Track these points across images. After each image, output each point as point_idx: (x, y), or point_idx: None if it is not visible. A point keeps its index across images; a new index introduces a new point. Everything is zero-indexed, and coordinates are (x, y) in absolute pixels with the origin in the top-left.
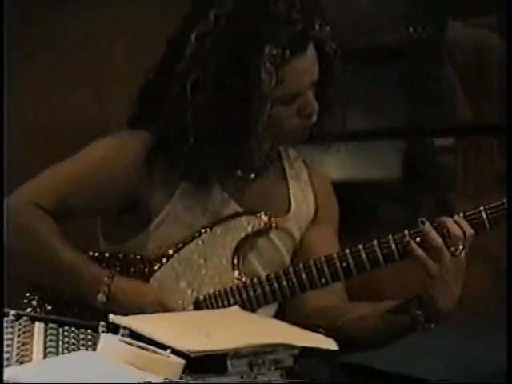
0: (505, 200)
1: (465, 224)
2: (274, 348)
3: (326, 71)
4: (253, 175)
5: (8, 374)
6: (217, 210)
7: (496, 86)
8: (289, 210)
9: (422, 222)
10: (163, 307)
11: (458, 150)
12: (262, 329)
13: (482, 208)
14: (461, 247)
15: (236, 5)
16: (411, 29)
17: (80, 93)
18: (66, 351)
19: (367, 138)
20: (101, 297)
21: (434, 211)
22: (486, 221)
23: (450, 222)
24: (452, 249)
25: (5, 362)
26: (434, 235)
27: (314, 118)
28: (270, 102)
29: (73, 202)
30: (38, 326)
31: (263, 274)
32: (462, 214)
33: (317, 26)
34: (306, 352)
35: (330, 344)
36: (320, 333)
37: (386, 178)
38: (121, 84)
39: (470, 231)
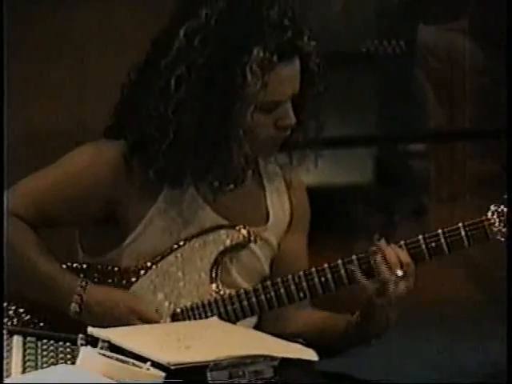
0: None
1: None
2: (254, 359)
3: (307, 86)
4: (231, 186)
5: None
6: (197, 222)
7: (468, 90)
8: (267, 220)
9: (378, 239)
10: (137, 315)
11: (431, 155)
12: (241, 340)
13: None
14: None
15: (228, 5)
16: (384, 37)
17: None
18: (45, 365)
19: (341, 145)
20: (74, 307)
21: (409, 215)
22: (425, 250)
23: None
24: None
25: None
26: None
27: (289, 132)
28: (253, 106)
29: (51, 211)
30: (17, 340)
31: (242, 284)
32: (402, 242)
33: (305, 38)
34: (286, 362)
35: (310, 354)
36: (300, 343)
37: (361, 183)
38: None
39: (406, 260)
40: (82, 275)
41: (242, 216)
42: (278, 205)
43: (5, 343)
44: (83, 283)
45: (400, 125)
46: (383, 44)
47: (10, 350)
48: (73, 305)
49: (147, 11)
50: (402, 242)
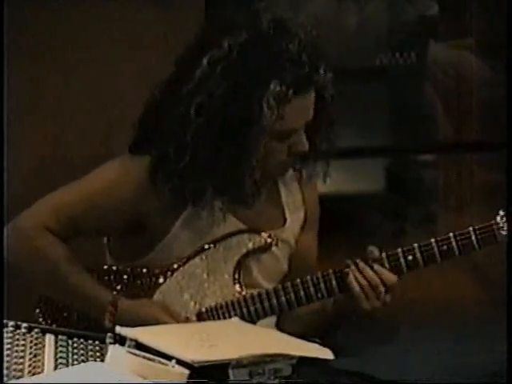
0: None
1: (383, 271)
2: (273, 358)
3: (320, 115)
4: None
5: None
6: (221, 228)
7: (474, 105)
8: (284, 221)
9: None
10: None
11: (439, 165)
12: (261, 339)
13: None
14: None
15: (250, 38)
16: (396, 53)
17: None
18: (75, 362)
19: (353, 156)
20: (107, 323)
21: (418, 222)
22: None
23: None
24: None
25: (17, 374)
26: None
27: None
28: (268, 136)
29: (79, 223)
30: (49, 338)
31: (263, 283)
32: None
33: (321, 71)
34: (304, 360)
35: (327, 353)
36: (316, 342)
37: (373, 192)
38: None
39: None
40: (112, 277)
41: (261, 220)
42: (293, 205)
43: (37, 340)
44: (114, 299)
45: (411, 137)
46: (395, 58)
47: (42, 348)
48: (106, 322)
49: (166, 23)
50: (384, 255)
